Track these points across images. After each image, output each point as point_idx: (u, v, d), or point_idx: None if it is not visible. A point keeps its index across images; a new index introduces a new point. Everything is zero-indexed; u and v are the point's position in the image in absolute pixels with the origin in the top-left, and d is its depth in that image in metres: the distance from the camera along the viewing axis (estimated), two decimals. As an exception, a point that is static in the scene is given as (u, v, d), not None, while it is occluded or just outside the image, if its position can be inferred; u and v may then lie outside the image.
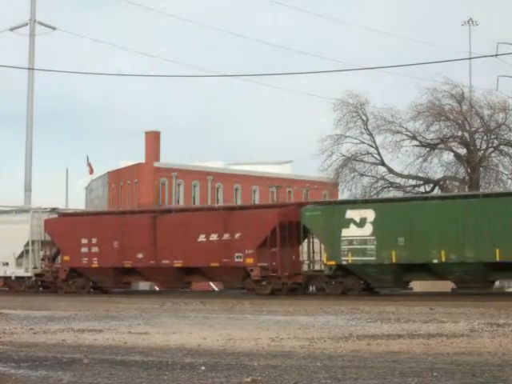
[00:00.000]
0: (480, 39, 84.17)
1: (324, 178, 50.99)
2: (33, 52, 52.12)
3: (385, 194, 47.13)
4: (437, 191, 47.48)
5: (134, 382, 10.59)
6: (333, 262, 33.14)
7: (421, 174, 48.00)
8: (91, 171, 79.29)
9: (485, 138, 47.35)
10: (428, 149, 47.76)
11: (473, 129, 47.27)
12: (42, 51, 60.73)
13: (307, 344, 14.70)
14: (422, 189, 48.30)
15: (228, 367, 11.71)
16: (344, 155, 48.39)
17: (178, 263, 35.88)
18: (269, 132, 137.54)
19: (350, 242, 32.82)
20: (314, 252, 34.50)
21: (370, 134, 48.19)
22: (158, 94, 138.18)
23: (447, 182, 48.24)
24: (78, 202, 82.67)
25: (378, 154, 48.35)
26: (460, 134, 47.62)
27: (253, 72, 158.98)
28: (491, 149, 47.52)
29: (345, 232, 32.89)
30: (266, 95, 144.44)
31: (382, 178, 48.74)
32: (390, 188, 48.55)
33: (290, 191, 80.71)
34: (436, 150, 47.85)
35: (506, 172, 47.56)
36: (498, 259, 29.80)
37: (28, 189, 51.67)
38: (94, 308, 26.86)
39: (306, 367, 11.58)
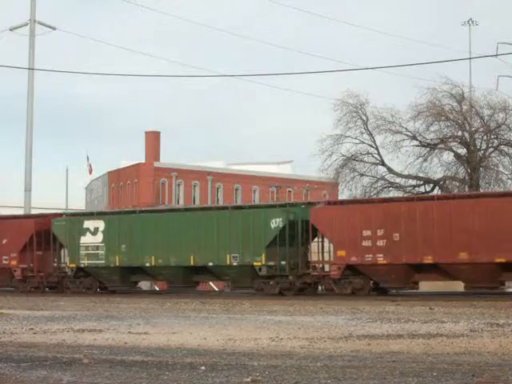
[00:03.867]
0: (480, 39, 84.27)
1: (324, 178, 50.98)
2: (33, 52, 52.09)
3: (385, 194, 47.13)
4: (437, 191, 47.49)
5: (134, 381, 10.59)
6: (73, 265, 39.21)
7: (421, 174, 47.99)
8: (90, 171, 79.31)
9: (485, 138, 47.31)
10: (428, 149, 47.74)
11: (473, 129, 47.25)
12: (42, 51, 60.83)
13: (307, 344, 14.70)
14: (422, 189, 48.31)
15: (228, 367, 11.71)
16: (344, 155, 48.38)
17: None
18: (269, 132, 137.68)
19: (86, 248, 38.77)
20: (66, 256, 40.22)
21: (370, 134, 48.18)
22: (158, 93, 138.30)
23: (447, 182, 48.22)
24: (78, 202, 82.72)
25: (378, 154, 48.35)
26: (460, 134, 47.59)
27: (253, 72, 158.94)
28: (491, 149, 47.49)
29: (83, 239, 38.83)
30: (266, 95, 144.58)
31: (382, 178, 48.72)
32: (390, 188, 48.54)
33: (290, 191, 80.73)
34: (436, 150, 47.83)
35: (506, 172, 47.54)
36: (192, 264, 36.09)
37: (28, 189, 51.68)
38: (94, 308, 26.88)
39: (306, 367, 11.58)
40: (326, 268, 34.10)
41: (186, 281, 37.43)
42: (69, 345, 15.09)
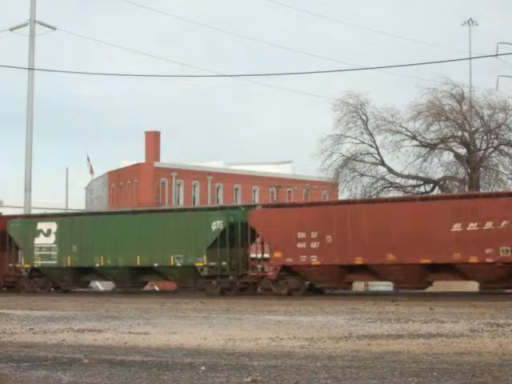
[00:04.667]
0: (480, 39, 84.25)
1: (324, 177, 50.99)
2: (33, 52, 52.09)
3: (385, 194, 47.14)
4: (437, 191, 47.49)
5: (134, 381, 10.59)
6: (28, 265, 40.64)
7: (421, 174, 47.99)
8: (91, 171, 79.35)
9: (485, 138, 47.32)
10: (428, 149, 47.74)
11: (473, 129, 47.24)
12: (42, 51, 60.85)
13: (307, 344, 14.69)
14: (422, 189, 48.31)
15: (228, 367, 11.71)
16: (344, 155, 48.39)
17: None
18: (269, 132, 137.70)
19: (40, 249, 40.19)
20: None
21: (370, 134, 48.18)
22: (158, 94, 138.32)
23: (447, 181, 48.22)
24: (78, 202, 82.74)
25: (378, 154, 48.35)
26: (460, 134, 47.59)
27: (253, 72, 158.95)
28: (491, 149, 47.49)
29: (37, 240, 40.23)
30: (266, 95, 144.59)
31: (382, 178, 48.72)
32: (390, 188, 48.54)
33: (289, 191, 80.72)
34: (436, 150, 47.83)
35: (506, 172, 47.56)
36: (139, 264, 37.69)
37: (28, 189, 51.68)
38: (94, 308, 26.87)
39: (306, 367, 11.58)
40: (266, 269, 35.34)
41: (133, 281, 39.01)
42: (69, 345, 15.08)
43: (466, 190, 46.04)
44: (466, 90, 48.30)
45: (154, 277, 39.40)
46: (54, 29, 53.23)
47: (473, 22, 61.97)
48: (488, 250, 30.64)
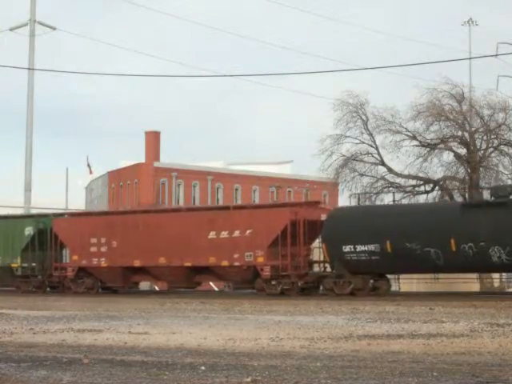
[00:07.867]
0: (480, 39, 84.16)
1: (324, 177, 50.93)
2: (33, 52, 52.13)
3: (385, 194, 47.12)
4: (437, 191, 47.47)
5: (134, 381, 10.58)
6: None
7: (421, 174, 47.90)
8: (91, 172, 79.27)
9: (485, 138, 47.23)
10: (428, 149, 47.66)
11: (473, 129, 47.17)
12: (42, 51, 60.84)
13: (307, 344, 14.69)
14: (422, 189, 48.25)
15: (228, 367, 11.70)
16: (344, 155, 48.29)
17: None
18: (269, 132, 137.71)
19: None
20: None
21: (370, 134, 48.09)
22: (158, 93, 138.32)
23: (447, 181, 48.17)
24: (78, 202, 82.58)
25: (378, 154, 48.26)
26: (460, 134, 47.51)
27: (253, 72, 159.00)
28: (491, 149, 47.41)
29: None
30: (266, 95, 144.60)
31: (382, 178, 48.62)
32: (390, 188, 48.47)
33: (289, 191, 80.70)
34: (436, 150, 47.75)
35: (506, 172, 47.49)
36: None
37: (28, 189, 51.70)
38: (94, 308, 26.87)
39: (306, 367, 11.57)
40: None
41: None
42: (69, 345, 15.08)
43: (466, 189, 46.00)
44: (466, 90, 48.23)
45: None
46: (54, 29, 53.33)
47: (473, 22, 62.05)
48: (236, 255, 35.22)
